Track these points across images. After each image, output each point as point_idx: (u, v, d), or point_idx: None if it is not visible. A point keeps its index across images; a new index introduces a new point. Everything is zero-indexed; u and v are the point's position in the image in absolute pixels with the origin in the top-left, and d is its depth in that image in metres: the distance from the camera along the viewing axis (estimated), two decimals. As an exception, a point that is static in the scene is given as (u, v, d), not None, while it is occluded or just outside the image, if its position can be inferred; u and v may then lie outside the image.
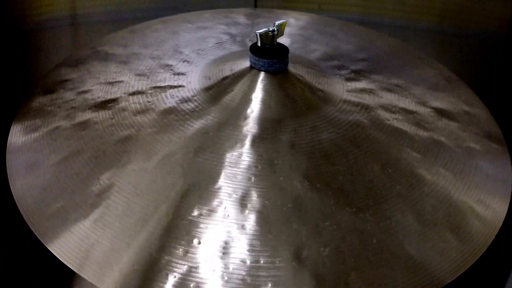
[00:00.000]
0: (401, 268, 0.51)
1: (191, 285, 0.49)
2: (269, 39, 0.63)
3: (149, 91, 0.65)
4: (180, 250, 0.50)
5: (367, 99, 0.66)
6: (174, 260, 0.50)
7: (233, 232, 0.51)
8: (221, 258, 0.50)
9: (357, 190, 0.56)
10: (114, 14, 1.02)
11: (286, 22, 0.64)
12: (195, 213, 0.53)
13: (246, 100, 0.62)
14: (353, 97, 0.66)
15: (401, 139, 0.62)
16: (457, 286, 0.52)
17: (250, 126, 0.59)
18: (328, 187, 0.55)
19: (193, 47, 0.73)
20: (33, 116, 0.65)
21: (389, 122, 0.64)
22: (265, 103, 0.61)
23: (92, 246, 0.51)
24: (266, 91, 0.62)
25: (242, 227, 0.52)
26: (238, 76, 0.64)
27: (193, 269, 0.49)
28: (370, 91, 0.68)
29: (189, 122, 0.60)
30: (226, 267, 0.50)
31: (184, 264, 0.50)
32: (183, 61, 0.70)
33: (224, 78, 0.64)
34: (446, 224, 0.56)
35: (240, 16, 0.84)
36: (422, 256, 0.53)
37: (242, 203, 0.53)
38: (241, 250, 0.50)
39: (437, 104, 0.70)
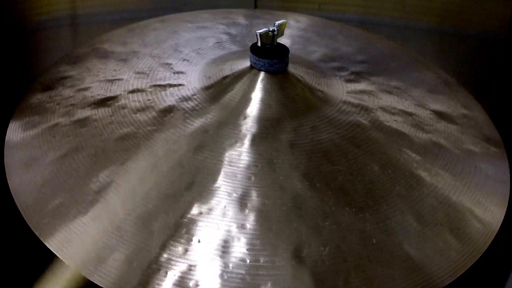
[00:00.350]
0: (401, 268, 0.51)
1: (190, 284, 0.49)
2: (269, 39, 0.63)
3: (149, 89, 0.65)
4: (180, 248, 0.50)
5: (366, 101, 0.66)
6: (173, 258, 0.50)
7: (232, 231, 0.51)
8: (221, 257, 0.50)
9: (357, 190, 0.56)
10: (114, 14, 1.02)
11: (286, 22, 0.64)
12: (195, 211, 0.52)
13: (246, 100, 0.62)
14: (352, 98, 0.66)
15: (401, 140, 0.62)
16: (457, 286, 0.52)
17: (250, 126, 0.59)
18: (328, 187, 0.55)
19: (193, 47, 0.73)
20: (32, 112, 0.65)
21: (388, 124, 0.64)
22: (265, 102, 0.61)
23: (90, 243, 0.51)
24: (266, 91, 0.62)
25: (242, 226, 0.52)
26: (238, 76, 0.64)
27: (193, 268, 0.49)
28: (369, 93, 0.68)
29: (189, 121, 0.60)
30: (225, 266, 0.49)
31: (184, 263, 0.49)
32: (183, 60, 0.70)
33: (224, 78, 0.64)
34: (445, 225, 0.56)
35: (239, 17, 0.84)
36: (421, 256, 0.53)
37: (242, 202, 0.53)
38: (240, 249, 0.50)
39: (436, 106, 0.70)
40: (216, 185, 0.54)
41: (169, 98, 0.63)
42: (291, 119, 0.60)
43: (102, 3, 1.02)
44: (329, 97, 0.65)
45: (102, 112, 0.62)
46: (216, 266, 0.49)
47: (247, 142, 0.58)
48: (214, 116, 0.60)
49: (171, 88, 0.64)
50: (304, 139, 0.59)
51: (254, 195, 0.54)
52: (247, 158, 0.56)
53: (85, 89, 0.66)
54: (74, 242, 0.51)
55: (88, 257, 0.50)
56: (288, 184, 0.55)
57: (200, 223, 0.52)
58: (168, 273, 0.49)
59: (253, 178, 0.55)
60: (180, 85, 0.65)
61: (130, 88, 0.65)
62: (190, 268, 0.49)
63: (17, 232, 0.59)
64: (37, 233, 0.53)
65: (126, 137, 0.59)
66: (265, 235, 0.51)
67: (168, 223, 0.52)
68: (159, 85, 0.65)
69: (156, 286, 0.48)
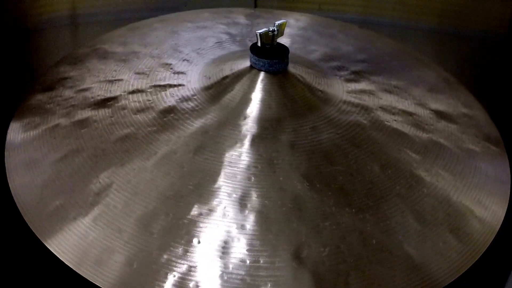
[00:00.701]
0: (401, 268, 0.51)
1: (190, 285, 0.49)
2: (269, 39, 0.63)
3: (149, 90, 0.65)
4: (180, 249, 0.50)
5: (366, 100, 0.66)
6: (173, 259, 0.50)
7: (232, 231, 0.51)
8: (221, 257, 0.50)
9: (357, 190, 0.56)
10: (114, 14, 1.02)
11: (286, 22, 0.64)
12: (195, 212, 0.52)
13: (246, 100, 0.62)
14: (352, 98, 0.66)
15: (401, 140, 0.62)
16: (457, 286, 0.52)
17: (250, 126, 0.59)
18: (328, 187, 0.55)
19: (193, 47, 0.73)
20: (32, 113, 0.65)
21: (388, 123, 0.64)
22: (265, 103, 0.61)
23: (91, 245, 0.51)
24: (266, 91, 0.62)
25: (242, 226, 0.52)
26: (238, 76, 0.64)
27: (193, 269, 0.49)
28: (369, 92, 0.68)
29: (189, 121, 0.60)
30: (225, 266, 0.49)
31: (184, 264, 0.50)
32: (183, 60, 0.70)
33: (224, 78, 0.64)
34: (445, 225, 0.56)
35: (240, 16, 0.84)
36: (421, 256, 0.53)
37: (242, 202, 0.53)
38: (240, 250, 0.50)
39: (436, 106, 0.70)
40: (216, 185, 0.54)
41: (169, 98, 0.63)
42: (291, 120, 0.60)
43: (102, 3, 1.02)
44: (329, 97, 0.65)
45: (102, 113, 0.62)
46: (216, 267, 0.49)
47: (247, 142, 0.58)
48: (214, 116, 0.60)
49: (171, 89, 0.64)
50: (304, 139, 0.59)
51: (254, 195, 0.54)
52: (247, 159, 0.56)
53: (85, 89, 0.66)
54: (74, 244, 0.51)
55: (89, 258, 0.50)
56: (288, 184, 0.55)
57: (200, 224, 0.52)
58: (168, 274, 0.49)
59: (253, 178, 0.55)
60: (180, 85, 0.65)
61: (130, 89, 0.65)
62: (190, 269, 0.49)
63: (18, 233, 0.59)
64: (37, 234, 0.53)
65: (126, 138, 0.59)
66: (265, 235, 0.51)
67: (168, 224, 0.52)
68: (159, 86, 0.65)
69: (156, 287, 0.48)
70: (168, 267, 0.49)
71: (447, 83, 0.77)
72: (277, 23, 0.63)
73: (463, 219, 0.57)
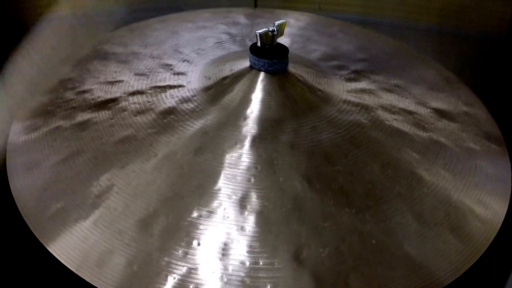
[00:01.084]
0: (401, 268, 0.51)
1: (191, 287, 0.49)
2: (269, 39, 0.63)
3: (149, 91, 0.65)
4: (180, 251, 0.50)
5: (367, 100, 0.66)
6: (173, 261, 0.50)
7: (232, 233, 0.51)
8: (221, 259, 0.50)
9: (357, 190, 0.56)
10: (114, 14, 1.02)
11: (286, 22, 0.64)
12: (195, 214, 0.53)
13: (246, 100, 0.62)
14: (353, 98, 0.66)
15: (401, 139, 0.62)
16: (457, 286, 0.52)
17: (250, 127, 0.59)
18: (328, 188, 0.55)
19: (193, 47, 0.73)
20: (33, 115, 0.65)
21: (388, 123, 0.64)
22: (265, 103, 0.61)
23: (91, 247, 0.51)
24: (266, 91, 0.62)
25: (242, 228, 0.52)
26: (238, 76, 0.64)
27: (193, 271, 0.49)
28: (370, 92, 0.68)
29: (189, 123, 0.60)
30: (225, 268, 0.50)
31: (184, 266, 0.50)
32: (183, 61, 0.70)
33: (224, 78, 0.64)
34: (446, 225, 0.56)
35: (240, 16, 0.84)
36: (421, 256, 0.53)
37: (242, 204, 0.53)
38: (240, 252, 0.50)
39: (436, 104, 0.70)
40: (216, 187, 0.54)
41: (169, 99, 0.63)
42: (291, 120, 0.60)
43: (102, 3, 1.02)
44: (329, 96, 0.65)
45: (102, 115, 0.62)
46: (216, 268, 0.50)
47: (247, 143, 0.58)
48: (214, 117, 0.60)
49: (171, 90, 0.64)
50: (304, 139, 0.59)
51: (254, 197, 0.54)
52: (247, 160, 0.56)
53: (86, 91, 0.66)
54: (75, 246, 0.52)
55: (89, 260, 0.51)
56: (288, 185, 0.55)
57: (200, 226, 0.52)
58: (168, 276, 0.49)
59: (253, 179, 0.55)
60: (180, 86, 0.65)
61: (130, 90, 0.65)
62: (190, 271, 0.49)
63: (18, 236, 0.60)
64: (38, 237, 0.53)
65: (126, 139, 0.59)
66: (265, 237, 0.51)
67: (168, 226, 0.52)
68: (159, 87, 0.65)
69: (156, 289, 0.49)
70: (168, 269, 0.49)
71: (448, 82, 0.77)
72: (277, 23, 0.63)
73: (464, 219, 0.57)
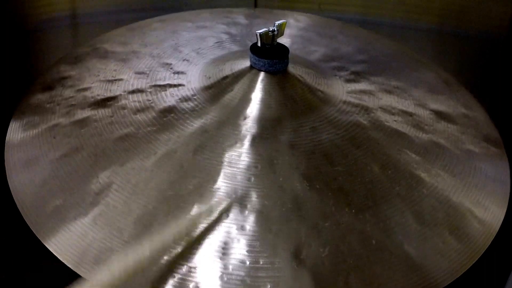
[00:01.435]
0: (401, 268, 0.51)
1: (190, 286, 0.49)
2: (269, 39, 0.63)
3: (149, 90, 0.65)
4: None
5: (366, 101, 0.66)
6: (173, 260, 0.50)
7: (232, 232, 0.51)
8: (221, 258, 0.50)
9: (357, 190, 0.56)
10: (114, 14, 1.02)
11: (286, 22, 0.64)
12: (194, 212, 0.52)
13: (246, 100, 0.62)
14: (352, 98, 0.66)
15: (401, 140, 0.62)
16: (457, 286, 0.52)
17: (250, 126, 0.59)
18: (327, 188, 0.55)
19: (193, 46, 0.73)
20: (32, 113, 0.65)
21: (388, 124, 0.64)
22: (265, 103, 0.61)
23: (90, 244, 0.51)
24: (266, 91, 0.62)
25: (242, 227, 0.52)
26: (238, 76, 0.64)
27: (192, 270, 0.49)
28: (369, 93, 0.68)
29: (189, 121, 0.60)
30: (225, 267, 0.49)
31: (183, 264, 0.49)
32: (183, 60, 0.70)
33: (224, 78, 0.64)
34: (445, 225, 0.56)
35: (240, 16, 0.84)
36: (421, 256, 0.53)
37: (242, 203, 0.53)
38: (240, 251, 0.50)
39: (436, 106, 0.70)
40: (216, 186, 0.54)
41: (169, 98, 0.63)
42: (291, 120, 0.60)
43: (102, 3, 1.02)
44: (329, 97, 0.65)
45: (102, 112, 0.62)
46: (216, 268, 0.49)
47: (247, 142, 0.58)
48: (214, 116, 0.60)
49: (171, 89, 0.64)
50: (304, 139, 0.59)
51: (254, 196, 0.54)
52: (247, 159, 0.56)
53: (85, 89, 0.66)
54: (73, 243, 0.51)
55: (88, 258, 0.50)
56: (288, 185, 0.55)
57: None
58: (168, 275, 0.49)
59: (253, 179, 0.55)
60: (180, 85, 0.65)
61: (130, 88, 0.65)
62: (190, 270, 0.49)
63: (17, 233, 0.59)
64: (36, 234, 0.53)
65: (126, 137, 0.59)
66: (265, 236, 0.51)
67: (168, 224, 0.52)
68: (159, 85, 0.65)
69: None
70: (167, 268, 0.49)
71: (447, 84, 0.77)
72: (277, 23, 0.63)
73: (463, 220, 0.57)
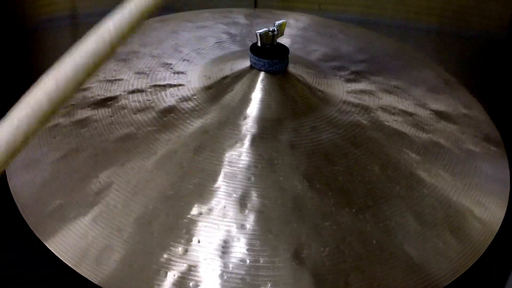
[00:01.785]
0: (401, 268, 0.51)
1: (190, 284, 0.49)
2: (269, 39, 0.63)
3: (149, 90, 0.65)
4: (180, 248, 0.50)
5: (366, 100, 0.66)
6: (173, 258, 0.50)
7: (232, 231, 0.51)
8: (221, 257, 0.50)
9: (357, 190, 0.55)
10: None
11: (286, 22, 0.64)
12: (195, 212, 0.52)
13: (246, 100, 0.61)
14: (352, 98, 0.66)
15: (401, 140, 0.62)
16: (457, 286, 0.52)
17: (250, 126, 0.59)
18: (328, 187, 0.55)
19: (193, 46, 0.73)
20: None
21: (388, 124, 0.64)
22: (265, 103, 0.61)
23: (90, 244, 0.51)
24: (266, 91, 0.62)
25: (242, 226, 0.52)
26: (238, 76, 0.64)
27: (193, 268, 0.49)
28: (369, 92, 0.68)
29: (189, 121, 0.60)
30: (225, 266, 0.49)
31: (184, 263, 0.49)
32: (183, 60, 0.70)
33: (224, 78, 0.64)
34: (445, 225, 0.56)
35: (240, 16, 0.84)
36: (421, 256, 0.53)
37: (242, 202, 0.53)
38: (240, 250, 0.50)
39: (436, 106, 0.70)
40: (216, 185, 0.54)
41: (169, 98, 0.63)
42: (291, 120, 0.60)
43: (102, 3, 1.02)
44: (329, 97, 0.65)
45: (102, 112, 0.62)
46: (216, 266, 0.49)
47: (247, 142, 0.58)
48: (214, 116, 0.60)
49: (171, 89, 0.64)
50: (304, 139, 0.59)
51: (254, 195, 0.54)
52: (247, 159, 0.56)
53: (85, 89, 0.66)
54: (74, 243, 0.51)
55: (88, 257, 0.50)
56: (288, 184, 0.55)
57: (200, 224, 0.52)
58: (168, 273, 0.49)
59: (253, 178, 0.55)
60: (180, 85, 0.65)
61: (130, 88, 0.65)
62: (190, 268, 0.49)
63: (17, 233, 0.59)
64: (37, 234, 0.53)
65: (126, 137, 0.59)
66: (265, 235, 0.51)
67: (168, 224, 0.52)
68: (159, 85, 0.65)
69: (156, 286, 0.48)
70: (168, 266, 0.49)
71: (447, 84, 0.77)
72: (277, 23, 0.63)
73: (463, 220, 0.57)
